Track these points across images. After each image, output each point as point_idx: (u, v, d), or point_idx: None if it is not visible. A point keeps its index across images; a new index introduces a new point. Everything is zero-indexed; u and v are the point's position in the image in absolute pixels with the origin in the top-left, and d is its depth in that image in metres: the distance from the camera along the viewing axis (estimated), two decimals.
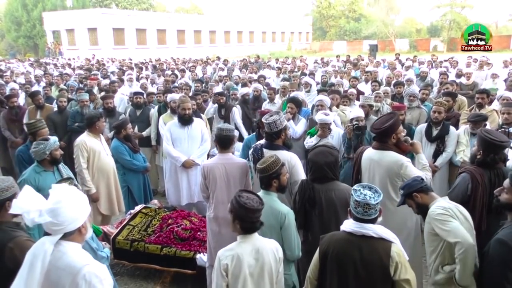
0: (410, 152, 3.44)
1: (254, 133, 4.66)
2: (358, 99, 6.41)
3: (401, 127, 3.38)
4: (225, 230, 3.49)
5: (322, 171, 2.92)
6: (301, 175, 3.31)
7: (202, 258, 3.78)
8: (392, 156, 3.23)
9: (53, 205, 1.90)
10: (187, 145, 4.87)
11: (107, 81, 9.40)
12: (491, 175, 2.98)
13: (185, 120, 4.85)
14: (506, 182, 2.31)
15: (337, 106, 5.78)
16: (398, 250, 2.17)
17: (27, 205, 1.93)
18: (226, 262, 2.29)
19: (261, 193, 2.84)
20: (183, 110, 4.82)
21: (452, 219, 2.41)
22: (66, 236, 1.95)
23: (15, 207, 1.92)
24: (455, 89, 6.69)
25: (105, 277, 1.93)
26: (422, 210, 2.60)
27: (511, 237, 2.18)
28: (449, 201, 2.58)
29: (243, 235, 2.36)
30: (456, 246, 2.34)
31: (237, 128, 6.24)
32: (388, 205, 3.20)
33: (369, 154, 3.39)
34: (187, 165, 4.80)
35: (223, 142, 3.49)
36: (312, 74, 10.52)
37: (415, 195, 2.59)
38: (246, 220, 2.31)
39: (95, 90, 8.55)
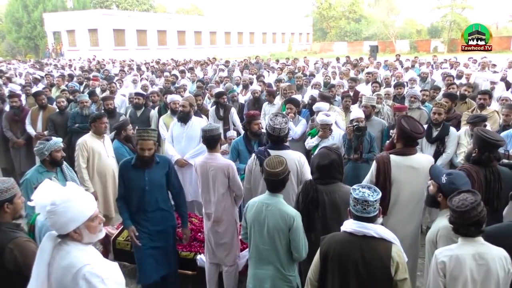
0: None
1: (242, 135, 4.56)
2: (357, 100, 6.42)
3: None
4: (218, 226, 3.54)
5: (318, 172, 2.93)
6: (309, 174, 3.30)
7: (202, 259, 3.78)
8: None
9: (49, 207, 1.90)
10: (184, 144, 4.94)
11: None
12: (486, 173, 3.03)
13: (179, 117, 5.01)
14: None
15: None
16: (398, 251, 2.19)
17: (38, 199, 2.01)
18: (443, 260, 2.19)
19: (266, 195, 2.82)
20: (180, 107, 5.04)
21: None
22: (68, 236, 1.94)
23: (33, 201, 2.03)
24: (457, 90, 6.67)
25: (109, 276, 1.90)
26: (434, 204, 2.72)
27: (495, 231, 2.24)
28: None
29: (463, 237, 2.23)
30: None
31: (236, 129, 6.25)
32: (421, 205, 3.29)
33: (401, 160, 3.21)
34: (179, 164, 4.85)
35: (208, 142, 3.54)
36: (312, 75, 10.51)
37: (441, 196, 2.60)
38: (459, 223, 2.18)
39: (98, 91, 8.56)
